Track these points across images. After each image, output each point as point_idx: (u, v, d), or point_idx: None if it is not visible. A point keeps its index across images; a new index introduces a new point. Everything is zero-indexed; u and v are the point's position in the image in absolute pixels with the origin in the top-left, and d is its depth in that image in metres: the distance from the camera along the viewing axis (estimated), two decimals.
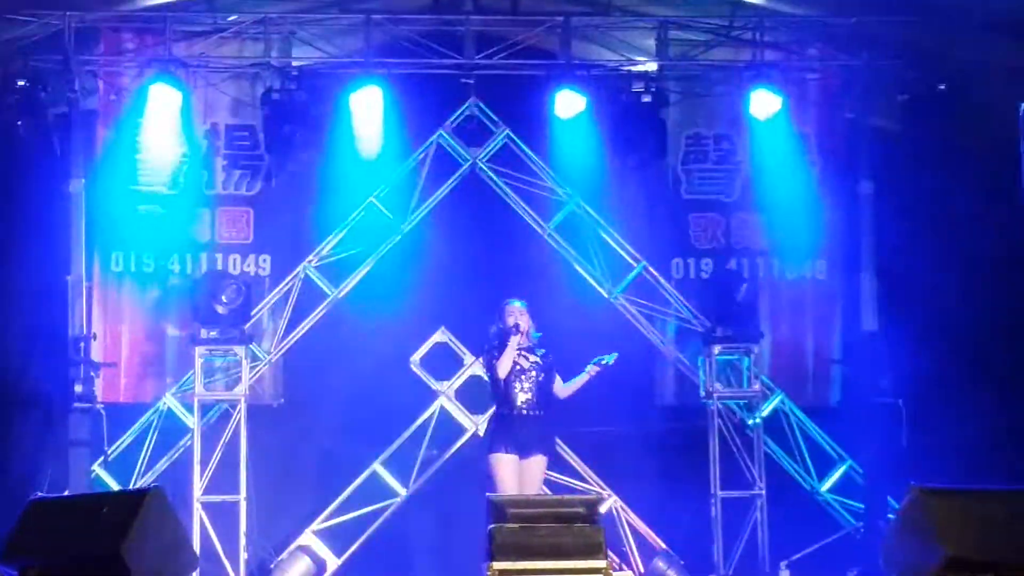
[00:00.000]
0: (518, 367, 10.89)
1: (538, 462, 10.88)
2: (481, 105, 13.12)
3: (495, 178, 13.10)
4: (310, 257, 12.93)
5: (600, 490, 12.58)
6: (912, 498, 9.29)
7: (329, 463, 12.79)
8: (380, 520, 12.71)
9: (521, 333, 10.86)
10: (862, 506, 12.71)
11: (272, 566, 12.47)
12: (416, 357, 12.88)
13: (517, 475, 10.79)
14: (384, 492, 12.78)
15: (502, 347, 10.88)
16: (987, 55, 12.34)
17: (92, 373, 12.72)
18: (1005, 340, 12.74)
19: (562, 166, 13.13)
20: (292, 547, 12.61)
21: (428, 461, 12.80)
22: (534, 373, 10.90)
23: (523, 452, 10.81)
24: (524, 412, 10.87)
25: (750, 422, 12.76)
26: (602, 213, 13.08)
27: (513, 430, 10.83)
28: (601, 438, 12.75)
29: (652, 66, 13.22)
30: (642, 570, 12.57)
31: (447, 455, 12.82)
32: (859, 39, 13.00)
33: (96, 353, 12.86)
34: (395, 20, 12.97)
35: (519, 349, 10.89)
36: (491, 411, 11.32)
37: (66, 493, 11.68)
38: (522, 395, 10.88)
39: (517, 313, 10.94)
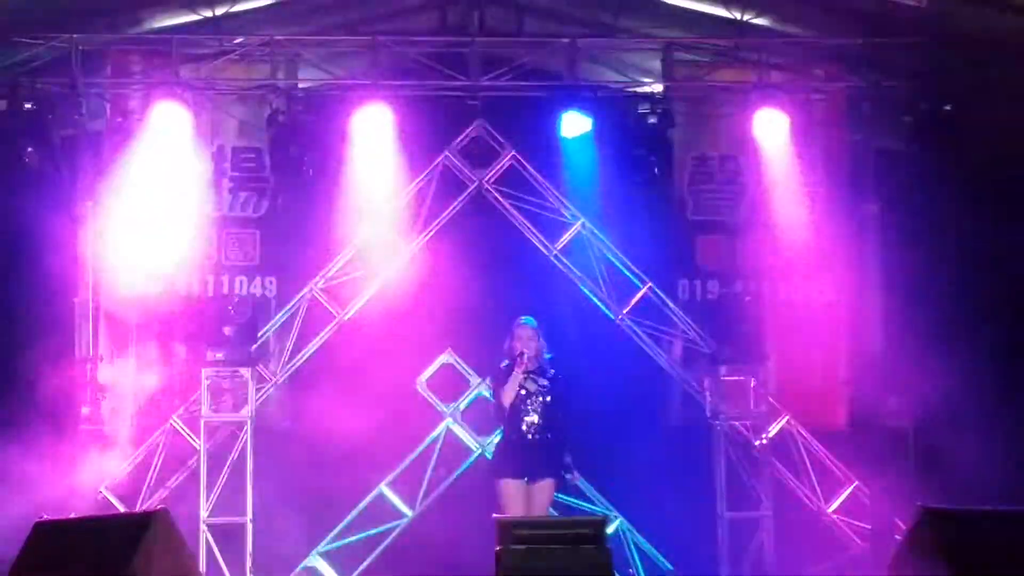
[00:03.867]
0: (524, 391, 10.93)
1: (546, 486, 10.91)
2: (487, 126, 13.14)
3: (501, 199, 13.11)
4: (316, 279, 12.94)
5: (607, 511, 12.57)
6: (919, 519, 9.28)
7: (335, 484, 12.76)
8: (387, 542, 12.71)
9: (525, 361, 10.89)
10: (869, 527, 12.67)
11: None
12: (422, 379, 12.90)
13: (525, 500, 10.81)
14: (390, 513, 12.79)
15: (508, 373, 10.91)
16: (992, 76, 12.35)
17: (99, 395, 12.74)
18: (1014, 360, 12.72)
19: (568, 187, 13.15)
20: (298, 569, 12.61)
21: (435, 482, 12.80)
22: (541, 397, 10.92)
23: (531, 477, 10.84)
24: (531, 436, 10.91)
25: (756, 443, 12.74)
26: (608, 234, 13.08)
27: (521, 455, 10.85)
28: (607, 459, 12.74)
29: (658, 87, 13.26)
30: None
31: (454, 477, 12.82)
32: (864, 60, 13.01)
33: (103, 375, 12.88)
34: (401, 42, 13.00)
35: (527, 373, 10.92)
36: (497, 434, 11.33)
37: (72, 515, 11.67)
38: (528, 419, 10.90)
39: (525, 338, 10.97)
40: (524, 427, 10.94)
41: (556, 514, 11.81)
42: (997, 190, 12.60)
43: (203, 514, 12.30)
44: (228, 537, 12.32)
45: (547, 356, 11.16)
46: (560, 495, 11.79)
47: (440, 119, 13.15)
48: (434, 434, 12.85)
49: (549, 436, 10.97)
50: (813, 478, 12.84)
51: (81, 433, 12.56)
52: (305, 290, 12.94)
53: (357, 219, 13.06)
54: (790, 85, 13.25)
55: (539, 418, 10.94)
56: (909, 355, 12.60)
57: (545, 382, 11.03)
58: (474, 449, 12.81)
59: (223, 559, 12.26)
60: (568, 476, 11.23)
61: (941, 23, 12.31)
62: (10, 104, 12.50)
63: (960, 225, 12.69)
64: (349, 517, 12.73)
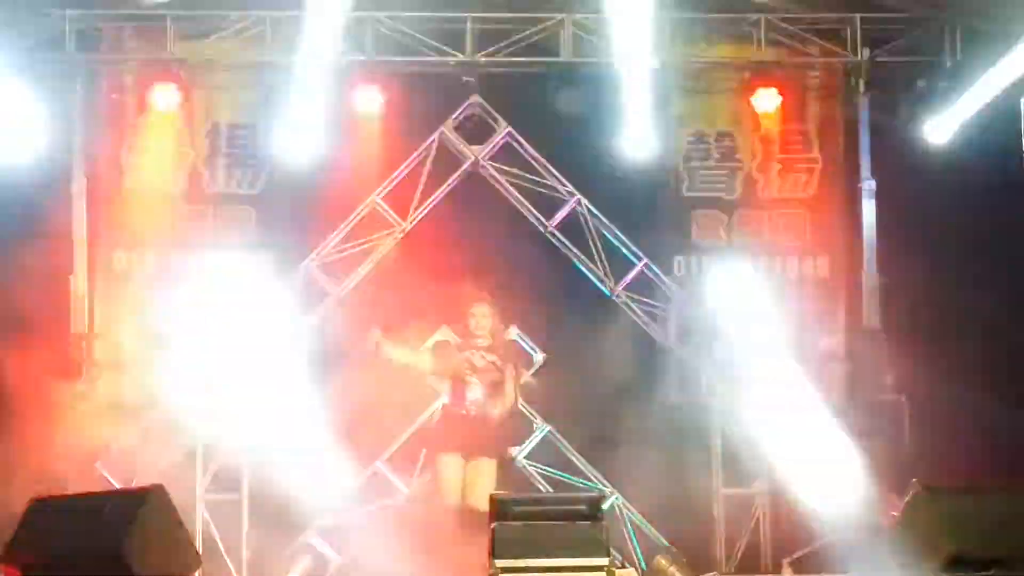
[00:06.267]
0: (468, 364, 10.91)
1: (484, 466, 10.79)
2: (483, 102, 13.11)
3: (497, 176, 13.09)
4: (312, 256, 12.92)
5: (602, 487, 12.58)
6: (915, 495, 9.31)
7: (330, 462, 12.75)
8: (383, 518, 12.71)
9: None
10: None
11: (274, 564, 12.45)
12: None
13: (462, 476, 10.76)
14: (386, 490, 12.78)
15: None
16: (988, 51, 12.34)
17: (95, 372, 12.74)
18: (1008, 337, 12.72)
19: (564, 164, 13.12)
20: (295, 545, 12.60)
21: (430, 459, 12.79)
22: (488, 373, 10.88)
23: (468, 454, 10.76)
24: (469, 412, 10.86)
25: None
26: (604, 211, 13.06)
27: (460, 430, 10.80)
28: (603, 435, 12.74)
29: (654, 63, 13.21)
30: (645, 567, 12.55)
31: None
32: (860, 36, 12.98)
33: (99, 352, 12.88)
34: (396, 18, 12.96)
35: (477, 348, 10.90)
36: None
37: (68, 492, 11.67)
38: (470, 394, 10.87)
39: (479, 316, 11.01)
40: (465, 402, 10.91)
41: (551, 489, 11.85)
42: (993, 165, 12.59)
43: (199, 490, 12.30)
44: (224, 513, 12.32)
45: (514, 331, 11.15)
46: (556, 472, 11.82)
47: (435, 95, 13.13)
48: (430, 411, 12.84)
49: (491, 414, 10.92)
50: None
51: (77, 410, 12.55)
52: (300, 267, 12.91)
53: (352, 196, 13.03)
54: (786, 61, 13.22)
55: (480, 395, 10.91)
56: (906, 331, 12.62)
57: (495, 359, 10.99)
58: None
59: (219, 536, 12.26)
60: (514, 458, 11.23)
61: None
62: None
63: (956, 200, 12.68)
64: (345, 494, 12.71)
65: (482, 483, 10.80)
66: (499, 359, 11.04)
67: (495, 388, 10.98)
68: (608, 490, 12.63)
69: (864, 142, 13.37)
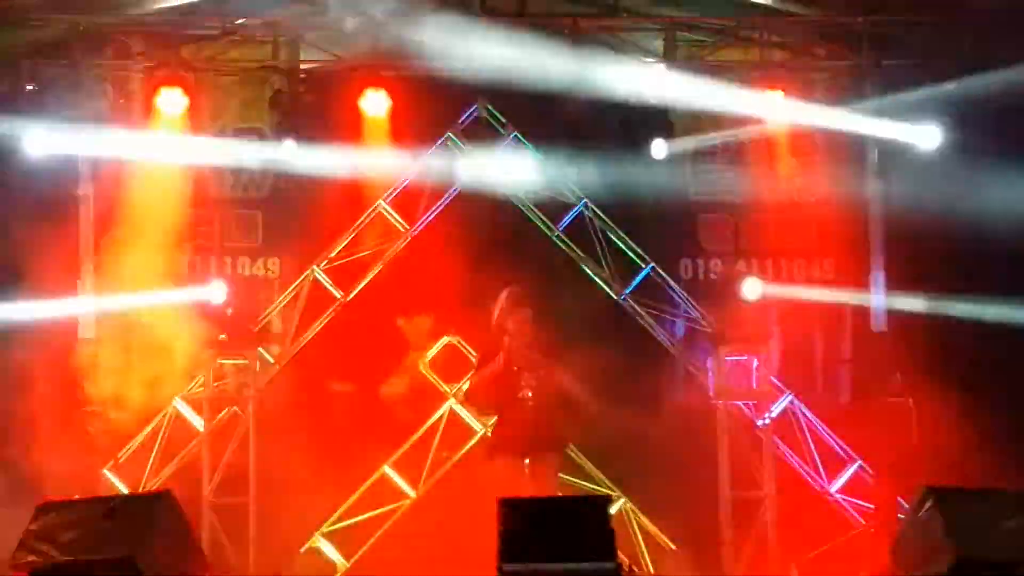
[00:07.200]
0: (516, 367, 10.88)
1: (546, 462, 10.81)
2: (489, 107, 13.12)
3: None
4: (319, 260, 12.93)
5: (610, 491, 12.59)
6: (922, 498, 9.30)
7: (338, 466, 12.78)
8: (389, 522, 12.73)
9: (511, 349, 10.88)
10: (872, 507, 12.68)
11: (282, 569, 12.47)
12: (425, 359, 12.89)
13: (524, 478, 10.77)
14: (394, 494, 12.80)
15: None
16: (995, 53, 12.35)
17: (102, 376, 12.75)
18: (1015, 339, 12.72)
19: (570, 168, 13.11)
20: (302, 550, 12.62)
21: (437, 463, 12.81)
22: (534, 371, 10.85)
23: (527, 455, 10.77)
24: (526, 413, 10.83)
25: (759, 423, 12.74)
26: (610, 215, 13.06)
27: (515, 433, 10.80)
28: (611, 439, 12.75)
29: (660, 67, 13.23)
30: (652, 571, 12.56)
31: (456, 457, 12.83)
32: (866, 39, 12.99)
33: (106, 356, 12.89)
34: (402, 22, 12.98)
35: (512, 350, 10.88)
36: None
37: (76, 496, 11.69)
38: (521, 394, 10.83)
39: (521, 321, 10.91)
40: (515, 404, 10.88)
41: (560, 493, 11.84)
42: (1000, 167, 12.59)
43: (206, 495, 12.31)
44: (231, 518, 12.33)
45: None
46: (564, 475, 11.81)
47: (442, 100, 13.13)
48: (437, 415, 12.86)
49: (545, 411, 10.88)
50: (816, 458, 12.83)
51: (84, 414, 12.57)
52: (308, 271, 12.93)
53: (359, 200, 13.05)
54: (792, 64, 13.23)
55: (530, 395, 10.87)
56: (912, 333, 12.62)
57: (538, 355, 10.96)
58: (477, 429, 12.82)
59: (227, 540, 12.27)
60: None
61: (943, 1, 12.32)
62: (12, 85, 12.50)
63: (963, 203, 12.67)
64: (352, 498, 12.74)
65: (545, 480, 10.82)
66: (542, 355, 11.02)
67: (541, 387, 10.95)
68: (616, 493, 12.65)
69: (870, 145, 13.37)
